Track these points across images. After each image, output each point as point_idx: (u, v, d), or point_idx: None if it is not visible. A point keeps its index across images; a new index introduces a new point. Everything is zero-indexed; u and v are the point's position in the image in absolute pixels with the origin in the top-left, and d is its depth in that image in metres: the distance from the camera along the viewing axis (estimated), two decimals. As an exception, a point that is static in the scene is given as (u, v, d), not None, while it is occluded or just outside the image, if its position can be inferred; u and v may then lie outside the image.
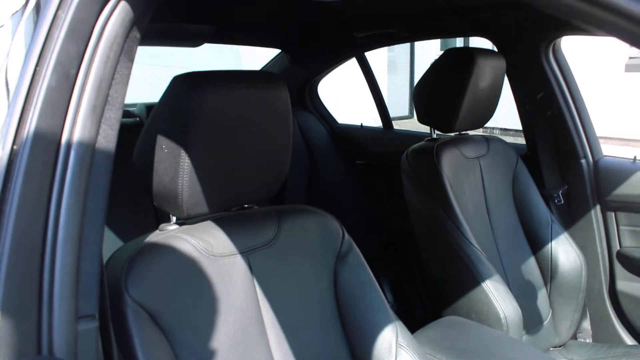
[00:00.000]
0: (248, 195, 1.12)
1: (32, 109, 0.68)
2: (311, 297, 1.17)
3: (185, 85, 0.96)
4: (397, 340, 1.18)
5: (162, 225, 1.07)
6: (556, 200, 2.05)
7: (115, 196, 0.89)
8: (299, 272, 1.16)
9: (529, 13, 1.86)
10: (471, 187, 1.86)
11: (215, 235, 1.07)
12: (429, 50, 9.88)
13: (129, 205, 1.88)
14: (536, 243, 1.92)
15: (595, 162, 2.04)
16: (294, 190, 2.67)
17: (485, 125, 2.02)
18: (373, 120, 2.87)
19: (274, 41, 2.59)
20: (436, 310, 1.86)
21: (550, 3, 0.58)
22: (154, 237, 1.01)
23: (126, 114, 2.31)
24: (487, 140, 1.99)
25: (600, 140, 2.11)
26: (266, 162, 1.10)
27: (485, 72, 1.78)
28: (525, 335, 1.81)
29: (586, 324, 2.04)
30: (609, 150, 2.11)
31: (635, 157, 1.98)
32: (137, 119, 2.30)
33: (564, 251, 1.89)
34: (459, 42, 8.47)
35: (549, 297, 1.92)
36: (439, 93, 1.84)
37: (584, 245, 2.00)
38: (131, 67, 0.78)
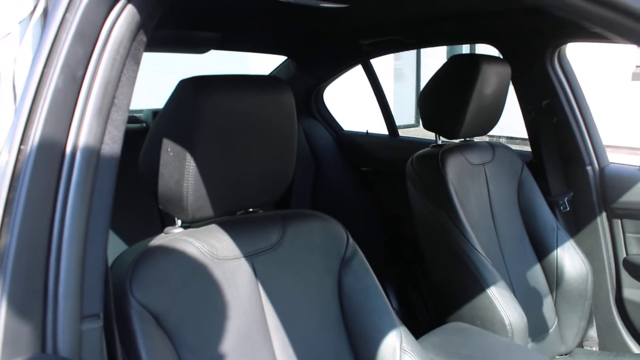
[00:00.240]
0: (253, 199, 1.13)
1: (39, 109, 0.69)
2: (315, 301, 1.17)
3: (191, 89, 0.97)
4: (401, 345, 1.18)
5: (167, 229, 1.08)
6: (562, 208, 2.04)
7: (121, 200, 0.90)
8: (303, 276, 1.16)
9: (533, 20, 1.86)
10: (476, 194, 1.86)
11: (220, 239, 1.07)
12: (433, 56, 9.87)
13: (134, 210, 1.89)
14: (541, 250, 1.92)
15: (601, 169, 2.03)
16: (299, 196, 2.67)
17: (492, 133, 2.02)
18: (378, 127, 2.87)
19: (280, 48, 2.60)
20: (441, 317, 1.85)
21: (563, 6, 0.58)
22: (159, 239, 1.01)
23: (132, 119, 2.33)
24: (493, 146, 1.99)
25: (608, 149, 2.10)
26: (271, 167, 1.11)
27: (490, 78, 1.78)
28: (530, 343, 1.79)
29: (592, 332, 2.02)
30: (617, 159, 2.10)
31: (641, 164, 1.97)
32: (144, 124, 2.32)
33: (569, 258, 1.88)
34: (465, 49, 8.47)
35: (554, 305, 1.91)
36: (444, 99, 1.84)
37: (590, 253, 1.99)
38: (137, 70, 0.79)
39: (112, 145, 0.74)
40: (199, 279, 1.01)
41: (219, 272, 1.04)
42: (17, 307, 0.65)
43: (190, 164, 0.97)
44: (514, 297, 1.66)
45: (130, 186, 1.26)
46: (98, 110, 0.72)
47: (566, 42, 1.96)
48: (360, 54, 2.50)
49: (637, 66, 6.93)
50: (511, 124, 3.41)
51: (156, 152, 1.00)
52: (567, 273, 1.87)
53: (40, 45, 0.71)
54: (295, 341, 1.11)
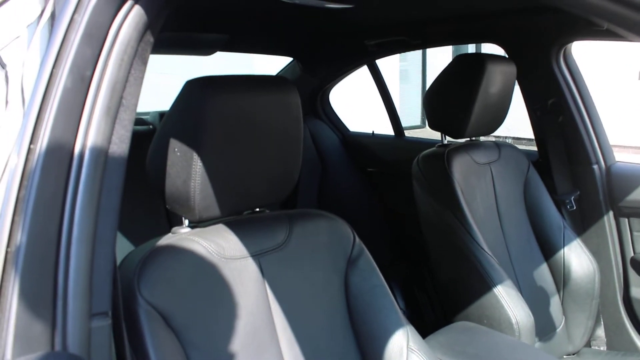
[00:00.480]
0: (259, 199, 1.13)
1: (48, 109, 0.70)
2: (322, 300, 1.17)
3: (198, 89, 0.98)
4: (408, 344, 1.18)
5: (174, 228, 1.08)
6: (568, 206, 2.04)
7: (129, 201, 0.90)
8: (310, 275, 1.17)
9: (539, 18, 1.86)
10: (482, 193, 1.86)
11: (227, 238, 1.08)
12: (436, 57, 9.85)
13: (142, 210, 1.90)
14: (548, 249, 1.91)
15: (608, 168, 2.02)
16: (305, 196, 2.67)
17: (498, 134, 2.02)
18: (384, 128, 2.87)
19: (286, 49, 2.61)
20: (447, 316, 1.85)
21: (576, 3, 0.58)
22: (167, 239, 1.02)
23: (139, 121, 2.34)
24: (498, 146, 1.99)
25: (616, 149, 2.09)
26: (277, 167, 1.11)
27: (496, 77, 1.78)
28: (537, 342, 1.79)
29: (600, 332, 2.02)
30: (625, 159, 2.10)
31: (648, 162, 1.97)
32: (150, 126, 2.33)
33: (576, 257, 1.87)
34: (471, 49, 8.45)
35: (562, 304, 1.90)
36: (450, 99, 1.84)
37: (597, 252, 1.98)
38: (144, 70, 0.79)
39: (120, 144, 0.75)
40: (207, 279, 1.01)
41: (227, 272, 1.04)
42: (27, 304, 0.66)
43: (197, 164, 0.97)
44: (520, 296, 1.66)
45: (138, 187, 1.27)
46: (106, 110, 0.73)
47: (572, 41, 1.96)
48: (365, 54, 2.51)
49: (645, 65, 6.89)
50: (517, 124, 3.40)
51: (163, 152, 1.00)
52: (574, 272, 1.87)
53: (49, 46, 0.72)
54: (302, 340, 1.11)
